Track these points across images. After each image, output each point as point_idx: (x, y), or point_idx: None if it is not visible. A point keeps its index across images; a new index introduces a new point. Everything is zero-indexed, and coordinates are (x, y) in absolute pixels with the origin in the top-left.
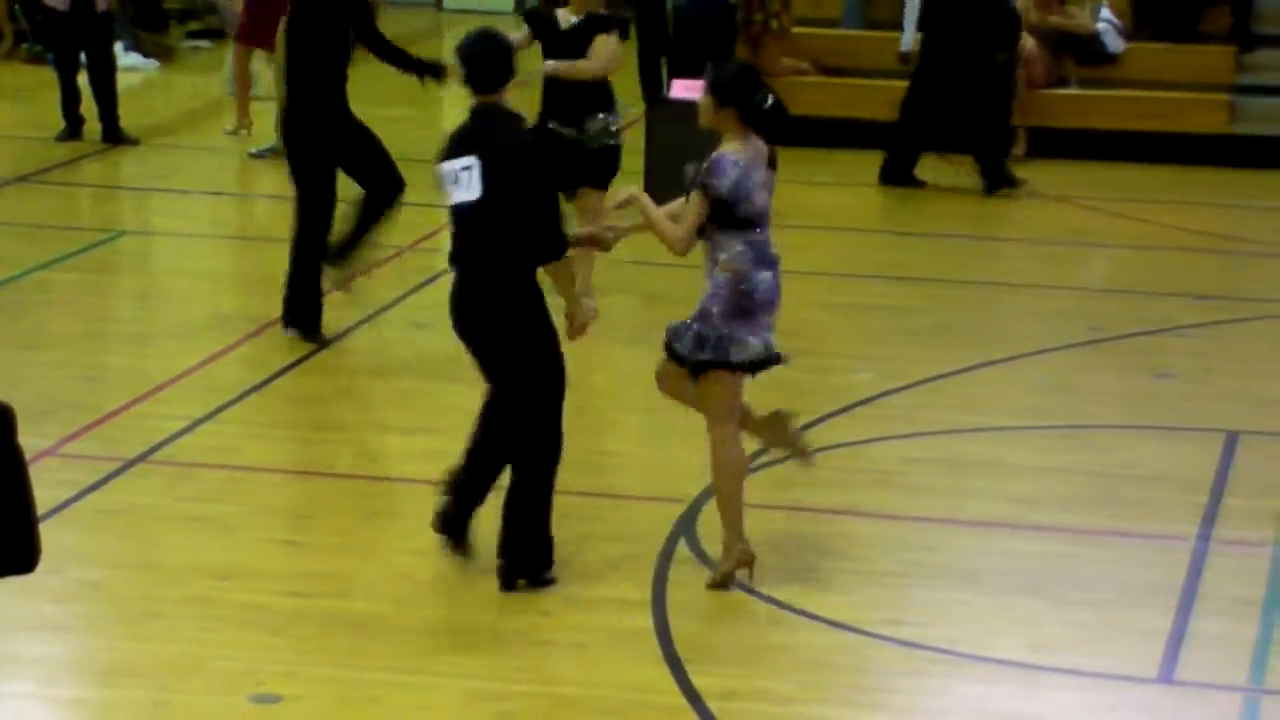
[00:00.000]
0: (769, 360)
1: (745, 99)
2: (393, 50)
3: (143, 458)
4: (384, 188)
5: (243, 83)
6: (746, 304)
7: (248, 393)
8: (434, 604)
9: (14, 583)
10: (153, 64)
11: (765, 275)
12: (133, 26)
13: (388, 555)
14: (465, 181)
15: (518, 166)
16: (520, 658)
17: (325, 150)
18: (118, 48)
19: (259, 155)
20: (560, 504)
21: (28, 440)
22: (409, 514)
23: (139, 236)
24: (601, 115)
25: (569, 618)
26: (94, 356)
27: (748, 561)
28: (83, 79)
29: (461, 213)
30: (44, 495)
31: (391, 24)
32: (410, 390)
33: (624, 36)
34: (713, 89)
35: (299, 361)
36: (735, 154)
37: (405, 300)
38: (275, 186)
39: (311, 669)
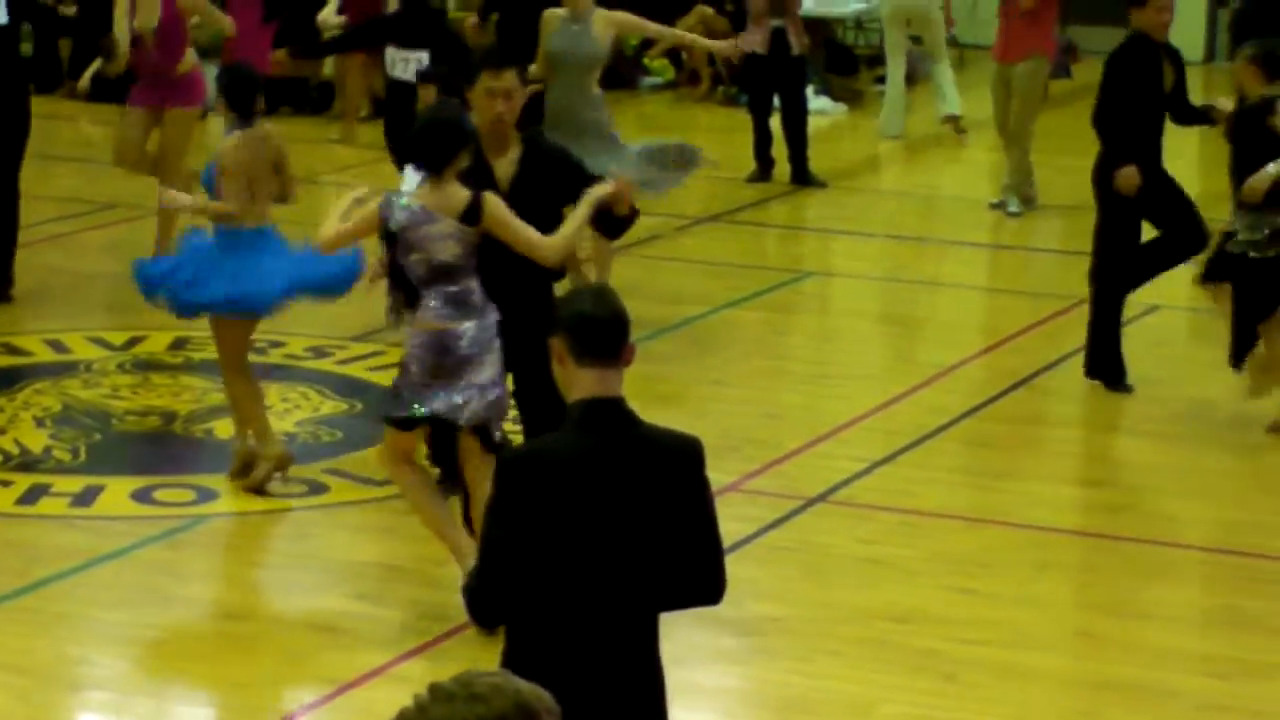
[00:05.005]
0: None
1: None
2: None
3: (822, 497)
4: (1186, 240)
5: None
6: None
7: (926, 437)
8: (1101, 658)
9: (697, 614)
10: (841, 108)
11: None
12: (824, 70)
13: (1061, 608)
14: None
15: None
16: None
17: (1135, 200)
18: (809, 91)
19: (999, 206)
20: (1210, 563)
21: (712, 475)
22: (1082, 567)
23: (821, 278)
24: None
25: (1238, 685)
26: (775, 394)
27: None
28: (775, 122)
29: None
30: (726, 529)
31: None
32: (1085, 441)
33: None
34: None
35: (979, 407)
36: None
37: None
38: (954, 233)
39: (981, 719)
